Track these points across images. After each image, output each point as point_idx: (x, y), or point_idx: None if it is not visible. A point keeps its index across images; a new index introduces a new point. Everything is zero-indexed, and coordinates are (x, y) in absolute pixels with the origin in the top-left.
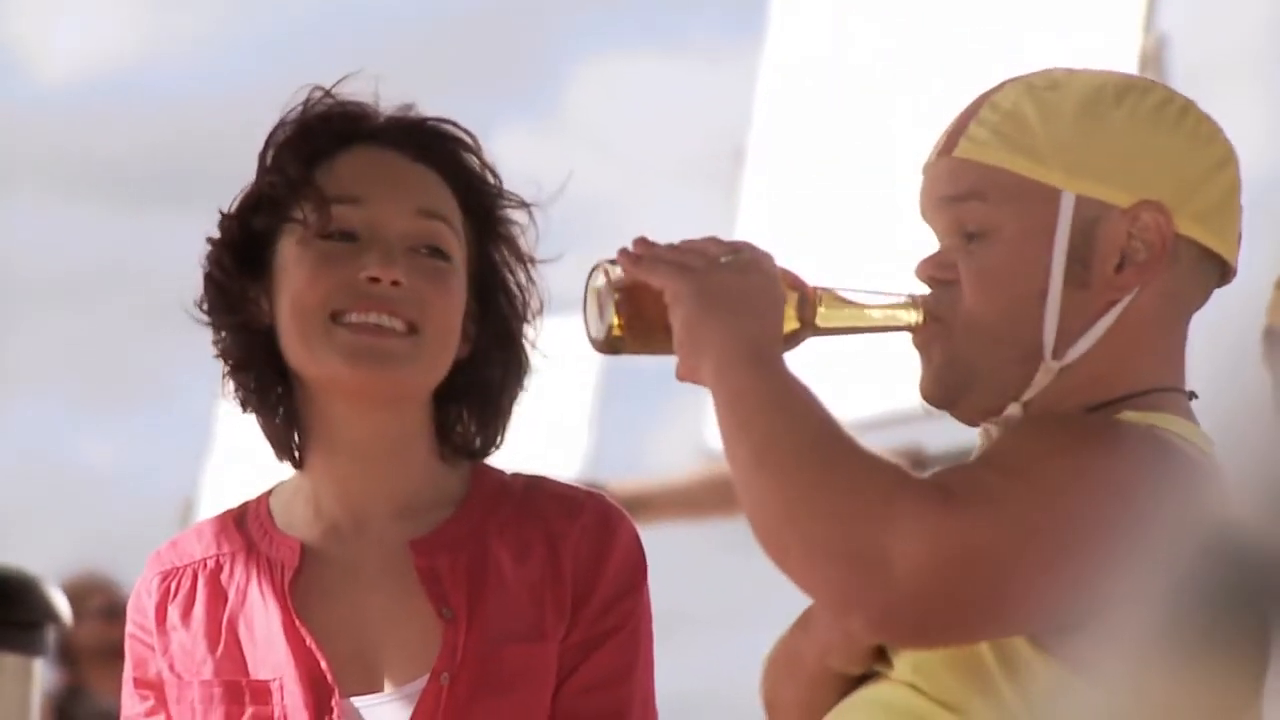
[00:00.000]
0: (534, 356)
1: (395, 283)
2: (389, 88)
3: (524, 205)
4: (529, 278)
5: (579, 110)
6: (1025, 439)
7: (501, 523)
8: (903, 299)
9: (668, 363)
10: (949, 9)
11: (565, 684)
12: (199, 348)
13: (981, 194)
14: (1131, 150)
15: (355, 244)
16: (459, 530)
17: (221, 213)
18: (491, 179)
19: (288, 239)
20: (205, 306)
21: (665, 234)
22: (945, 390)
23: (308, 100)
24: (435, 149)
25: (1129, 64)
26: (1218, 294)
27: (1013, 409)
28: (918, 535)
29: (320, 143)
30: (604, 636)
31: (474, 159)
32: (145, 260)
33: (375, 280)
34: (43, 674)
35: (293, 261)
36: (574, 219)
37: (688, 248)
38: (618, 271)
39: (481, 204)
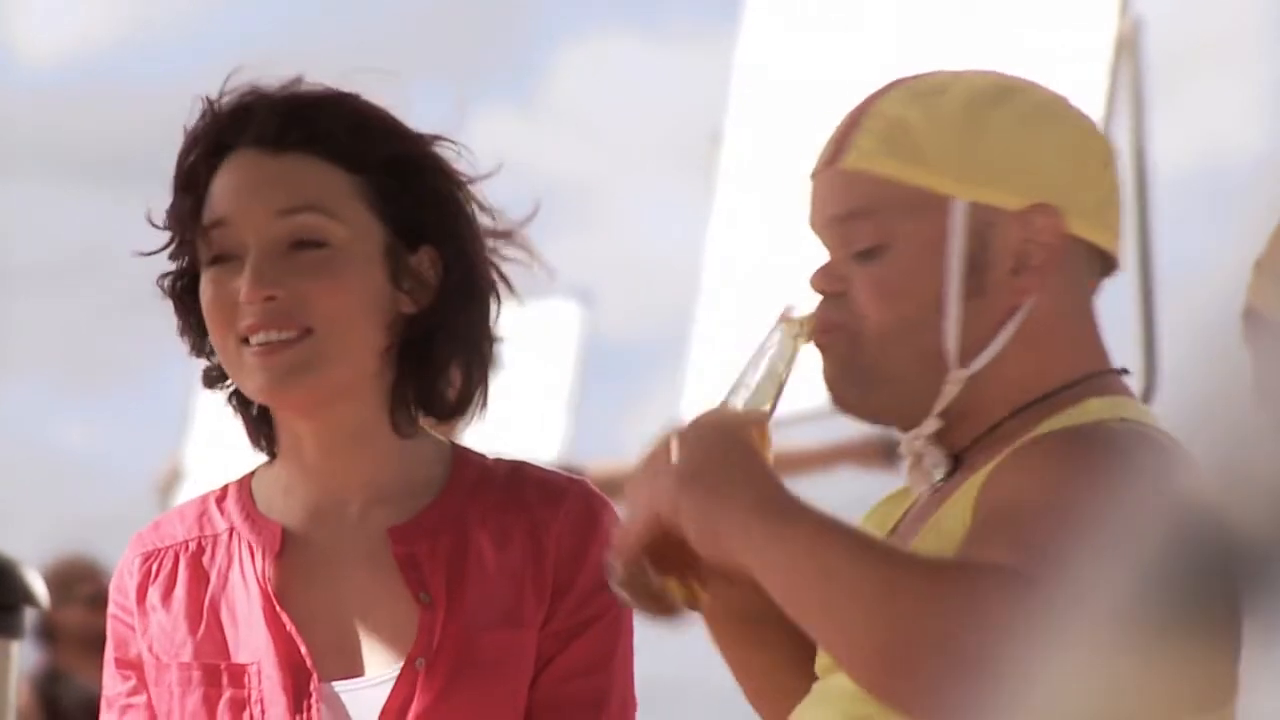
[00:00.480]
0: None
1: (269, 298)
2: (371, 73)
3: (436, 139)
4: (471, 200)
5: (559, 93)
6: (1039, 486)
7: (483, 509)
8: (779, 333)
9: (647, 344)
10: None
11: (544, 671)
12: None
13: (871, 209)
14: (1020, 152)
15: (234, 263)
16: (439, 516)
17: (154, 224)
18: (384, 129)
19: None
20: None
21: (644, 216)
22: (851, 395)
23: (202, 108)
24: (299, 129)
25: (1105, 48)
26: (1195, 276)
27: (932, 423)
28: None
29: (200, 164)
30: (584, 625)
31: (355, 118)
32: (126, 244)
33: (249, 302)
34: (21, 657)
35: (203, 291)
36: (554, 201)
37: (642, 477)
38: (627, 546)
39: (378, 158)
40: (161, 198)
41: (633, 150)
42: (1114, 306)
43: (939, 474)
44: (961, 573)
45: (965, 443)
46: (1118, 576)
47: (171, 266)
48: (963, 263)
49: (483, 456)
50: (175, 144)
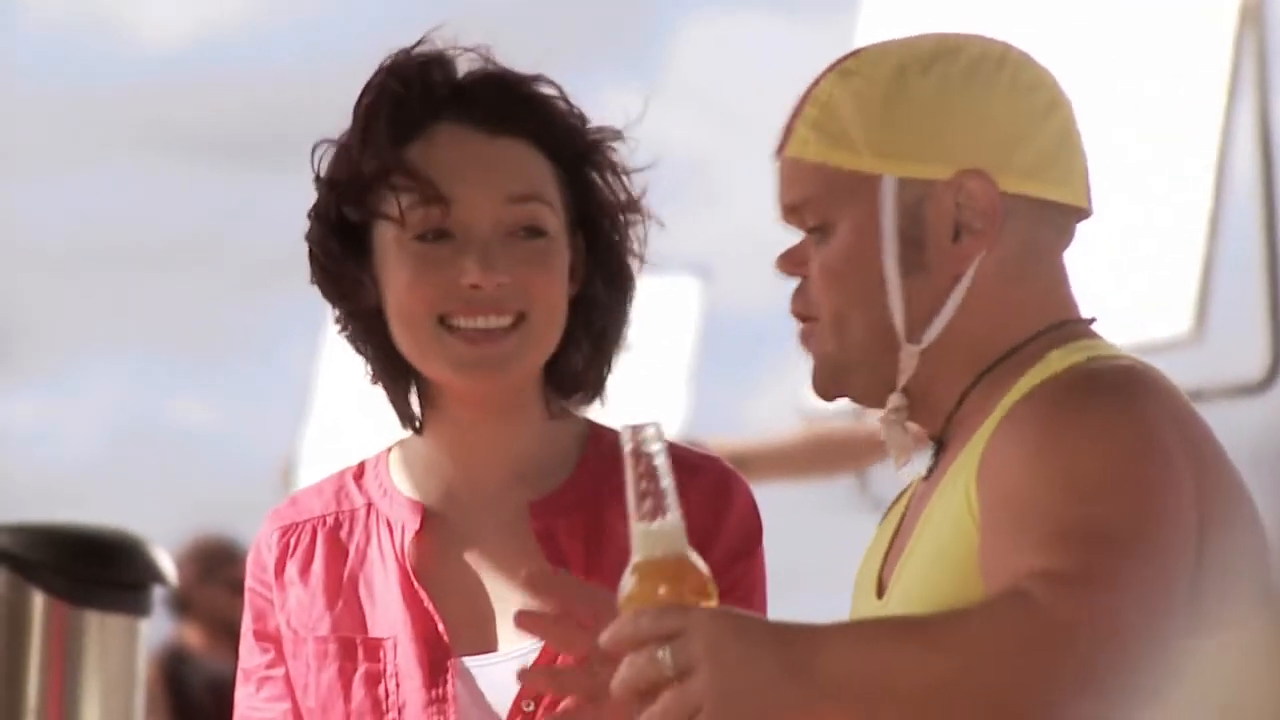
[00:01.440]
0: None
1: (499, 285)
2: (495, 52)
3: (616, 136)
4: (630, 202)
5: (682, 69)
6: (1042, 462)
7: (617, 485)
8: (655, 452)
9: (767, 323)
10: None
11: None
12: (300, 310)
13: (810, 197)
14: (943, 120)
15: (452, 242)
16: (575, 494)
17: (318, 182)
18: (577, 120)
19: (384, 229)
20: (318, 285)
21: (764, 193)
22: (827, 386)
23: (395, 63)
24: (518, 116)
25: (1229, 18)
26: None
27: (894, 399)
28: (1083, 637)
29: (403, 121)
30: (721, 594)
31: (558, 107)
32: (248, 223)
33: (476, 286)
34: (149, 635)
35: (392, 260)
36: (675, 177)
37: (636, 677)
38: None
39: (574, 151)
40: (286, 178)
41: (754, 126)
42: (1239, 286)
43: (925, 463)
44: (1010, 608)
45: (940, 421)
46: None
47: (298, 238)
48: (899, 239)
49: (615, 433)
50: (294, 124)
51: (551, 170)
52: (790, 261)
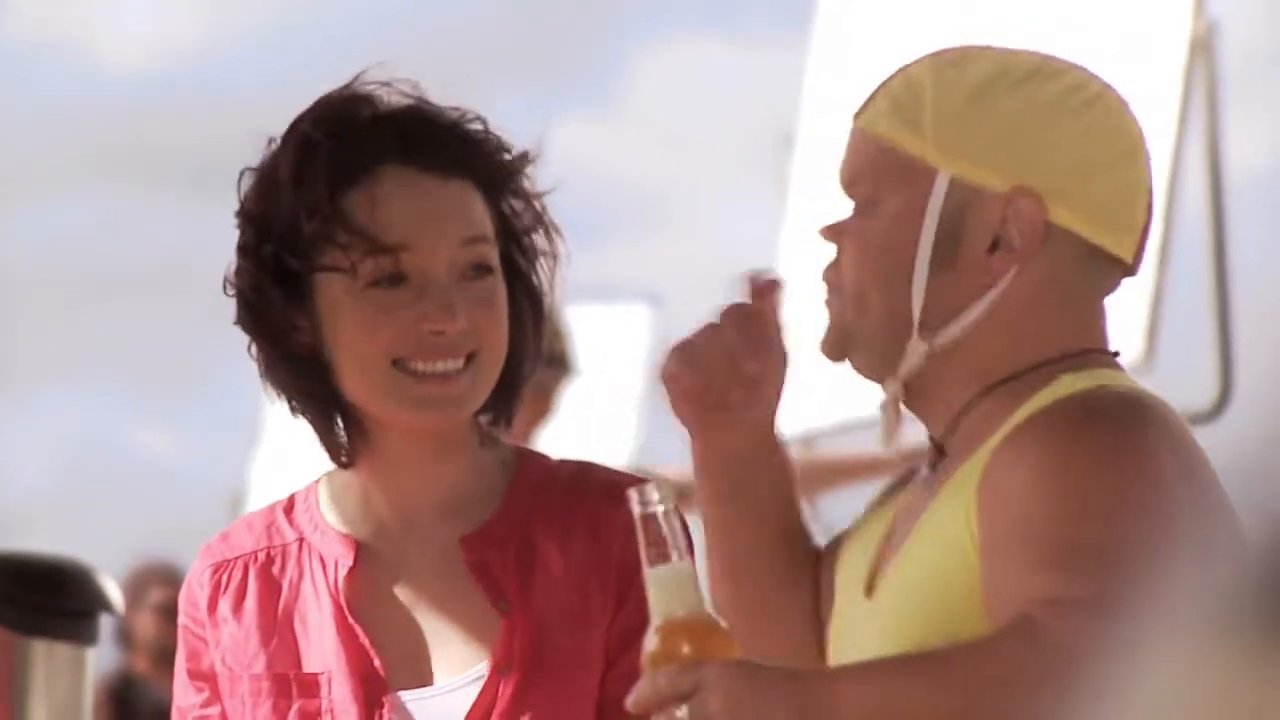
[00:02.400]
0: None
1: (459, 330)
2: (452, 77)
3: (529, 160)
4: (546, 231)
5: (635, 97)
6: (1048, 487)
7: (546, 511)
8: (661, 511)
9: None
10: None
11: (612, 668)
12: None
13: (868, 170)
14: (1015, 135)
15: (407, 286)
16: (505, 524)
17: (243, 217)
18: (504, 153)
19: (330, 279)
20: (243, 325)
21: (718, 219)
22: (833, 349)
23: (322, 105)
24: (462, 158)
25: (1179, 49)
26: (1272, 282)
27: (890, 385)
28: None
29: (340, 168)
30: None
31: (490, 143)
32: (208, 252)
33: (439, 332)
34: (96, 663)
35: (344, 308)
36: (628, 204)
37: None
38: None
39: (501, 184)
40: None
41: (707, 154)
42: (1189, 315)
43: (925, 468)
44: (1016, 639)
45: (941, 425)
46: (1190, 575)
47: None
48: (937, 234)
49: (546, 458)
50: (259, 152)
51: (487, 207)
52: (833, 231)
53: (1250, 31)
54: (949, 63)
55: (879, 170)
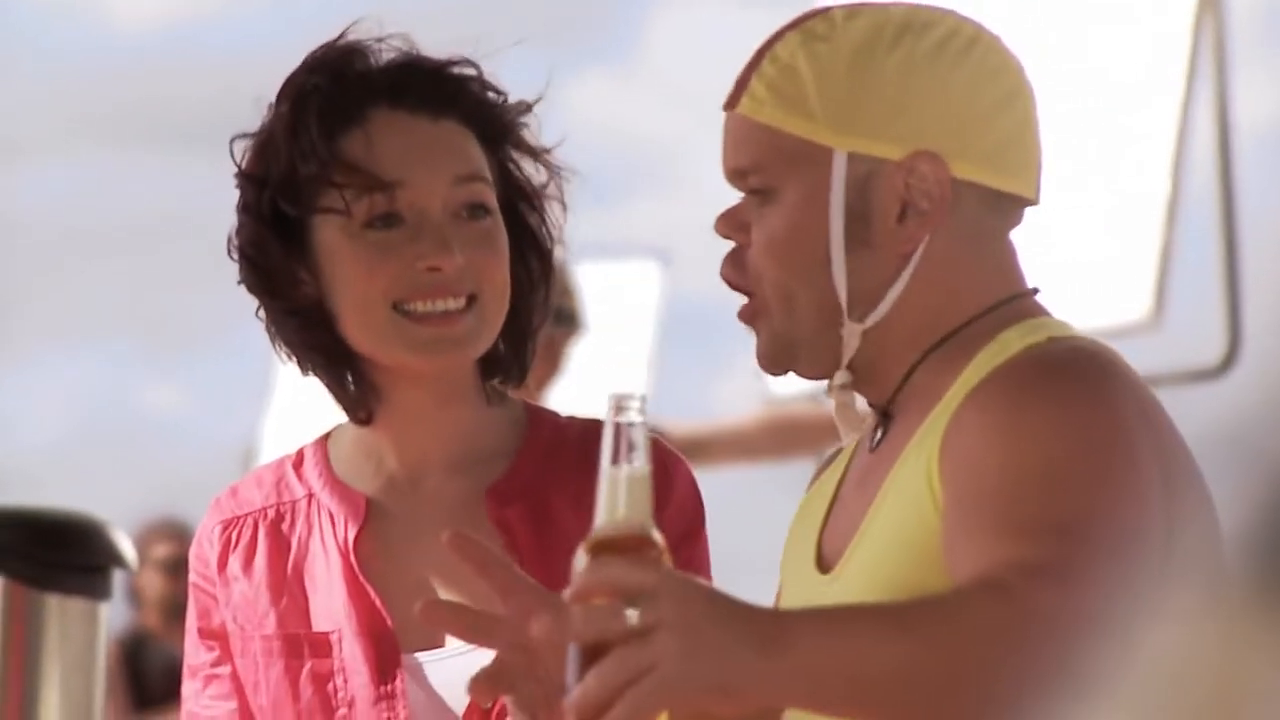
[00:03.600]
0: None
1: (457, 266)
2: (467, 34)
3: (528, 109)
4: (551, 183)
5: (647, 55)
6: (1010, 450)
7: (559, 470)
8: (632, 421)
9: (728, 306)
10: None
11: None
12: None
13: (761, 162)
14: (902, 99)
15: (403, 228)
16: (520, 480)
17: (241, 178)
18: (500, 99)
19: (325, 222)
20: (247, 284)
21: (717, 178)
22: (774, 361)
23: (314, 58)
24: (454, 98)
25: (1187, 6)
26: None
27: (840, 376)
28: (1055, 623)
29: (333, 113)
30: None
31: (483, 86)
32: (219, 208)
33: (436, 269)
34: (109, 618)
35: (342, 252)
36: (639, 162)
37: (593, 627)
38: None
39: (499, 131)
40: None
41: (718, 112)
42: (1197, 272)
43: (869, 436)
44: (985, 598)
45: (888, 394)
46: (1152, 524)
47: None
48: (846, 215)
49: (556, 416)
50: (262, 111)
51: (483, 151)
52: (730, 224)
53: None
54: (818, 36)
55: (772, 158)
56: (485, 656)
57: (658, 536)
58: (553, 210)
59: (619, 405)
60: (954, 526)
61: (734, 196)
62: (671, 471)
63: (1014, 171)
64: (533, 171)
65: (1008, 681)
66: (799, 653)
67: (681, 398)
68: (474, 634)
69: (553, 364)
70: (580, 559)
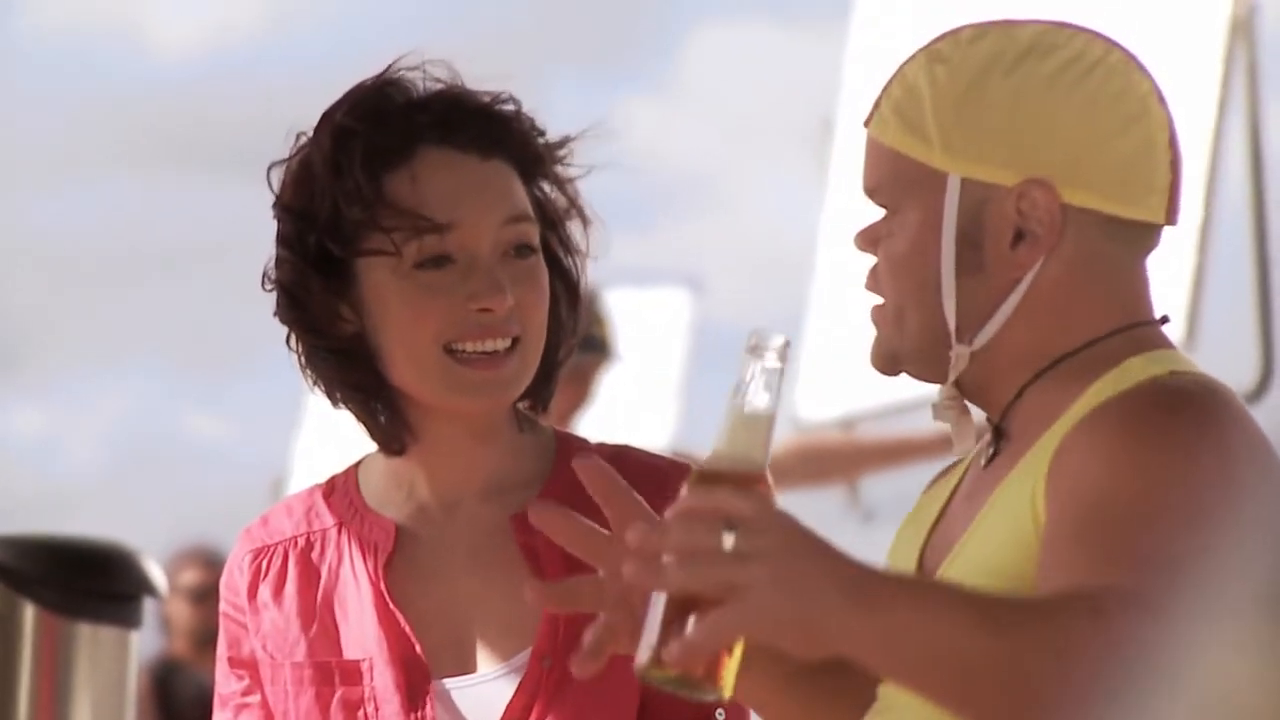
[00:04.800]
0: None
1: (507, 307)
2: (505, 58)
3: (568, 146)
4: (583, 219)
5: (687, 78)
6: (1122, 479)
7: (587, 496)
8: (767, 365)
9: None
10: None
11: None
12: None
13: (884, 183)
14: (1017, 126)
15: (453, 267)
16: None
17: (280, 209)
18: (540, 135)
19: (375, 263)
20: (284, 318)
21: (763, 202)
22: (883, 366)
23: (354, 96)
24: (500, 137)
25: (1219, 31)
26: None
27: (946, 391)
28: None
29: (379, 154)
30: None
31: (526, 124)
32: (257, 232)
33: (487, 310)
34: (140, 647)
35: (390, 292)
36: (681, 188)
37: (691, 544)
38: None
39: (540, 170)
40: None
41: (754, 136)
42: (1231, 296)
43: (984, 450)
44: (1075, 613)
45: (999, 410)
46: (1248, 569)
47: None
48: (957, 239)
49: (586, 442)
50: (294, 141)
51: (526, 190)
52: (866, 239)
53: None
54: (940, 56)
55: (894, 180)
56: (513, 682)
57: (769, 476)
58: (582, 242)
59: (756, 345)
60: (1051, 545)
61: (766, 217)
62: (668, 487)
63: (1135, 198)
64: (563, 201)
65: (1077, 697)
66: (888, 614)
67: (711, 425)
68: (584, 549)
69: (582, 391)
70: (686, 489)
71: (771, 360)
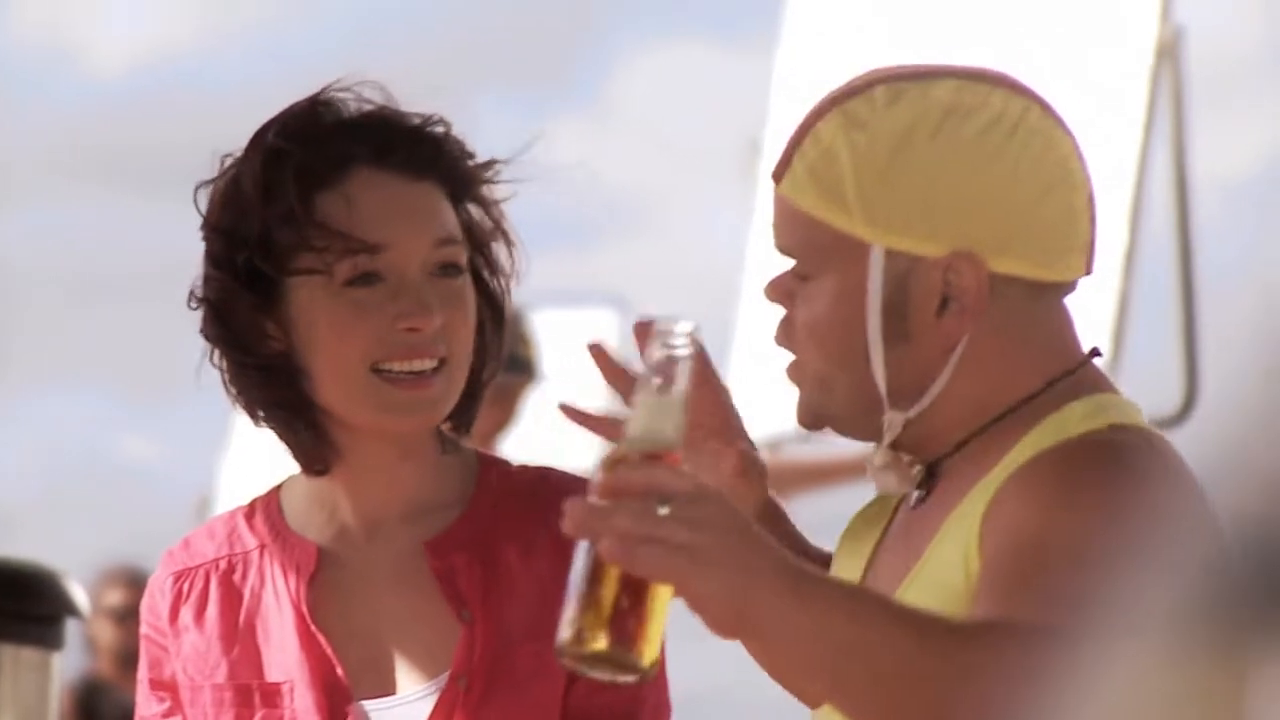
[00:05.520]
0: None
1: (434, 327)
2: (438, 78)
3: (495, 169)
4: (508, 240)
5: (619, 100)
6: (1051, 525)
7: (509, 519)
8: (678, 352)
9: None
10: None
11: (577, 682)
12: None
13: (801, 248)
14: (939, 197)
15: (382, 286)
16: (470, 530)
17: (209, 229)
18: (469, 158)
19: (305, 281)
20: (209, 335)
21: (693, 226)
22: (807, 423)
23: (285, 117)
24: (432, 161)
25: (1145, 55)
26: (1237, 287)
27: (880, 455)
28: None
29: (310, 175)
30: None
31: (456, 147)
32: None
33: (415, 330)
34: (63, 667)
35: (319, 311)
36: (611, 210)
37: (629, 521)
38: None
39: (469, 192)
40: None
41: (686, 158)
42: (1155, 320)
43: (915, 492)
44: (998, 641)
45: (933, 459)
46: (1161, 609)
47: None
48: (883, 308)
49: (508, 464)
50: (220, 162)
51: (453, 211)
52: (778, 292)
53: (1216, 37)
54: (858, 121)
55: (811, 246)
56: (433, 704)
57: (681, 455)
58: (507, 263)
59: (663, 330)
60: (982, 588)
61: (695, 238)
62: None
63: (1057, 258)
64: (489, 223)
65: (980, 711)
66: (824, 605)
67: None
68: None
69: (507, 412)
70: (601, 469)
71: (680, 345)
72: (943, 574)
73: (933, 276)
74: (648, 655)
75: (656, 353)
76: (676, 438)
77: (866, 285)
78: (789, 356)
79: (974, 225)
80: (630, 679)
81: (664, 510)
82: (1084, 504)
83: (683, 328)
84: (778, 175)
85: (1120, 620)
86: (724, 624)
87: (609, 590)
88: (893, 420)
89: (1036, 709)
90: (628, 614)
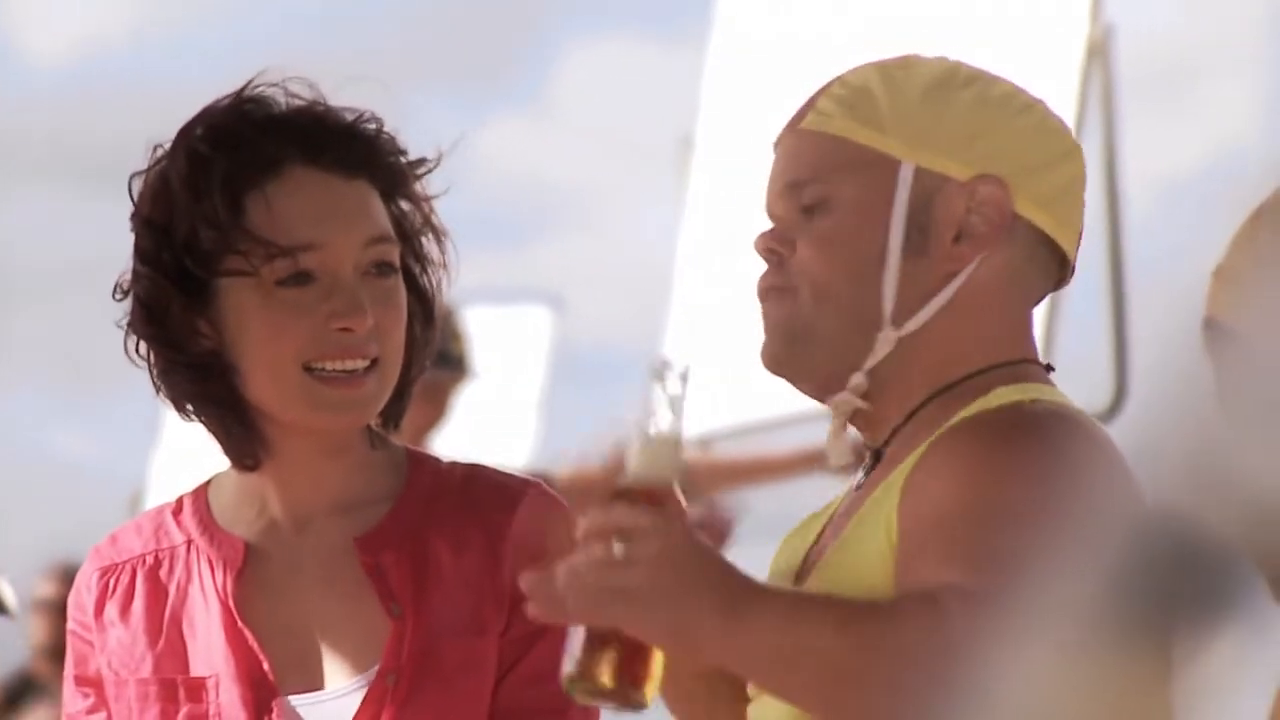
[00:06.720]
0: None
1: (367, 327)
2: (374, 74)
3: (428, 166)
4: (438, 236)
5: (555, 97)
6: (969, 488)
7: (439, 515)
8: (671, 389)
9: (618, 350)
10: None
11: (506, 678)
12: None
13: (821, 168)
14: (974, 128)
15: (315, 285)
16: (399, 526)
17: (139, 223)
18: (400, 155)
19: (236, 280)
20: (138, 330)
21: (626, 223)
22: (785, 353)
23: (212, 114)
24: (365, 159)
25: (1075, 54)
26: (1166, 284)
27: (856, 379)
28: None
29: (242, 175)
30: (544, 630)
31: (387, 144)
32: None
33: (348, 329)
34: None
35: (251, 310)
36: (546, 207)
37: (590, 595)
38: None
39: (401, 190)
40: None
41: (617, 154)
42: (1086, 316)
43: (859, 476)
44: (926, 615)
45: (885, 433)
46: (1073, 579)
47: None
48: (906, 222)
49: (438, 461)
50: (152, 152)
51: (384, 206)
52: (776, 239)
53: (1147, 36)
54: (894, 66)
55: (834, 166)
56: (360, 700)
57: (679, 494)
58: (439, 259)
59: (660, 371)
60: (902, 555)
61: (632, 235)
62: (555, 510)
63: (1063, 223)
64: (419, 218)
65: (912, 694)
66: (758, 621)
67: (570, 444)
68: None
69: (438, 408)
70: (622, 484)
71: (674, 385)
72: (865, 538)
73: (956, 199)
74: (649, 690)
75: (651, 391)
76: (668, 475)
77: (893, 198)
78: (725, 350)
79: (1003, 157)
80: (632, 712)
81: (619, 547)
82: (999, 466)
83: (679, 368)
84: (797, 119)
85: (1041, 585)
86: (675, 652)
87: (610, 626)
88: (888, 336)
89: (958, 673)
90: (630, 650)
